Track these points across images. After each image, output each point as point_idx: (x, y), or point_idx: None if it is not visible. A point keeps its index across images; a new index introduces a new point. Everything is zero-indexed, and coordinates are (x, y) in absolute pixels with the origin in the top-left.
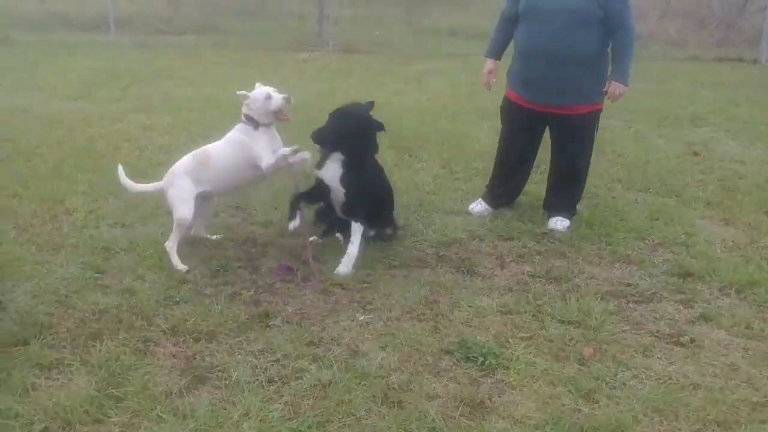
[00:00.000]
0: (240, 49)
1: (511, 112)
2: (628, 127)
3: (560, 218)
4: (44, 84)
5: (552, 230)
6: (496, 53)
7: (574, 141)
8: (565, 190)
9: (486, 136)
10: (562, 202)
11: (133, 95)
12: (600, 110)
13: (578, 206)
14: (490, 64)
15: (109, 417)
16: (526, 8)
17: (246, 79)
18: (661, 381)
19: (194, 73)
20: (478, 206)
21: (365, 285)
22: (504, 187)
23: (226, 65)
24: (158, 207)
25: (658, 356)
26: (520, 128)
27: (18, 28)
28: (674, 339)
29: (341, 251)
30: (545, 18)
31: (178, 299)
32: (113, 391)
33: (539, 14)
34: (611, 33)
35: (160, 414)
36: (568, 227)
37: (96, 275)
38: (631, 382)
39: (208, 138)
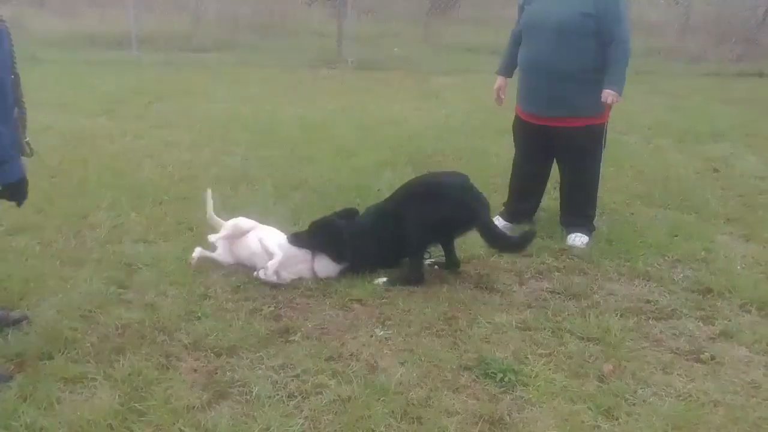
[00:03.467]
0: (260, 66)
1: (519, 127)
2: (647, 142)
3: (579, 234)
4: (68, 101)
5: (571, 246)
6: (507, 70)
7: (576, 154)
8: (574, 205)
9: (505, 152)
10: (574, 218)
11: (156, 112)
12: (603, 124)
13: (597, 222)
14: (500, 81)
15: (132, 431)
16: (525, 24)
17: (266, 96)
18: (681, 398)
19: (216, 90)
20: (497, 222)
21: (384, 301)
22: (520, 204)
23: (247, 82)
24: (180, 223)
25: (678, 373)
26: (529, 144)
27: (44, 46)
28: (694, 356)
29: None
30: (541, 33)
31: (199, 314)
32: (136, 405)
33: (536, 29)
34: (606, 46)
35: (182, 428)
36: (587, 243)
37: (119, 290)
38: (651, 399)
39: (231, 155)
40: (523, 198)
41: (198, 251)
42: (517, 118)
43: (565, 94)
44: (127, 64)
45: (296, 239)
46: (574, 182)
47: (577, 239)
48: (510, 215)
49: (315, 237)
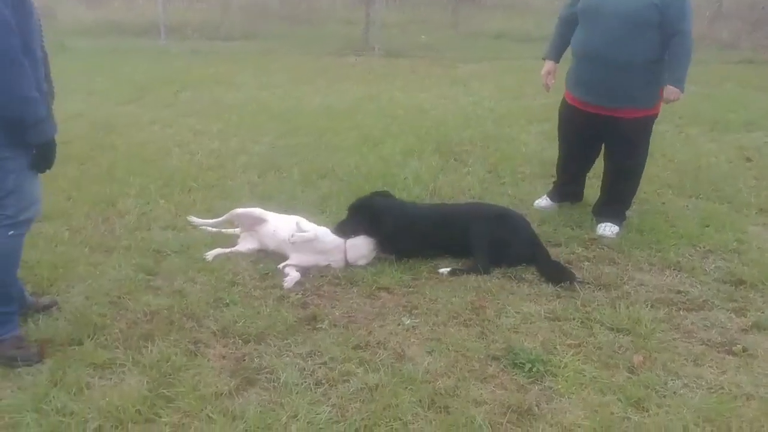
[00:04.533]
0: (287, 55)
1: (567, 113)
2: (678, 131)
3: (609, 224)
4: (97, 89)
5: (601, 236)
6: (555, 55)
7: (626, 145)
8: (615, 195)
9: (533, 141)
10: (611, 208)
11: (184, 100)
12: (655, 116)
13: (628, 212)
14: (548, 65)
15: (160, 417)
16: (584, 10)
17: (293, 84)
18: (712, 390)
19: (243, 79)
20: (543, 201)
21: (411, 289)
22: (570, 187)
23: (274, 71)
24: (209, 211)
25: (710, 365)
26: (577, 129)
27: (72, 35)
28: (726, 348)
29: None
30: (602, 21)
31: (227, 301)
32: (164, 391)
33: (596, 17)
34: (668, 38)
35: (210, 415)
36: (618, 233)
37: (148, 277)
38: (682, 391)
39: (258, 143)
40: (573, 182)
41: (215, 251)
42: (565, 103)
43: (623, 85)
44: (155, 52)
45: (341, 229)
46: (620, 173)
47: (608, 229)
48: (557, 196)
49: (363, 217)
